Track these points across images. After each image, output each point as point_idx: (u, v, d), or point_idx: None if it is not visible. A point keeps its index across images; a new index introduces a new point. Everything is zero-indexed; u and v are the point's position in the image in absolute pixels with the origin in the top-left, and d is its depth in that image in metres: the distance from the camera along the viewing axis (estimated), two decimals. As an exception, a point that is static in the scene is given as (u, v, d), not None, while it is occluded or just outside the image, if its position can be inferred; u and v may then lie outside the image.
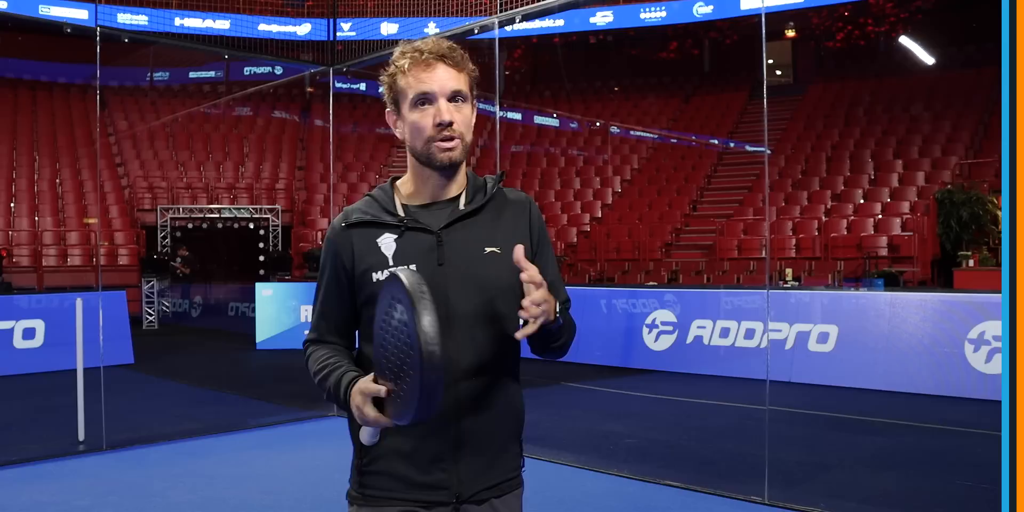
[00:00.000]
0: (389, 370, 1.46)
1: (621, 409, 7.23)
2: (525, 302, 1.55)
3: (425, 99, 1.64)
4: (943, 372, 7.35)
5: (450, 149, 1.65)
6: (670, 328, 9.24)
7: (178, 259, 17.18)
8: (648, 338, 9.36)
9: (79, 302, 5.96)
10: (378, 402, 1.50)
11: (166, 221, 17.34)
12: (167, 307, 16.40)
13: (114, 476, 5.15)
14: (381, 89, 1.74)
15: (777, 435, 5.20)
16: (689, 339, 9.09)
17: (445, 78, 1.64)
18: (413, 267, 1.63)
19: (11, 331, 9.11)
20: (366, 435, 1.58)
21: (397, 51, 1.69)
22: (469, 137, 1.69)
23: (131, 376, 9.07)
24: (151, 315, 15.22)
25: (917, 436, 6.03)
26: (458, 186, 1.73)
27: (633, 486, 4.83)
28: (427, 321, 1.35)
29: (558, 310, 1.62)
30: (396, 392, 1.45)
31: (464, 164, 1.73)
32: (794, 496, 4.48)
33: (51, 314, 9.23)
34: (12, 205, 18.01)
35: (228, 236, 17.85)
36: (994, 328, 7.04)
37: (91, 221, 17.77)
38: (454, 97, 1.65)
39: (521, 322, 1.58)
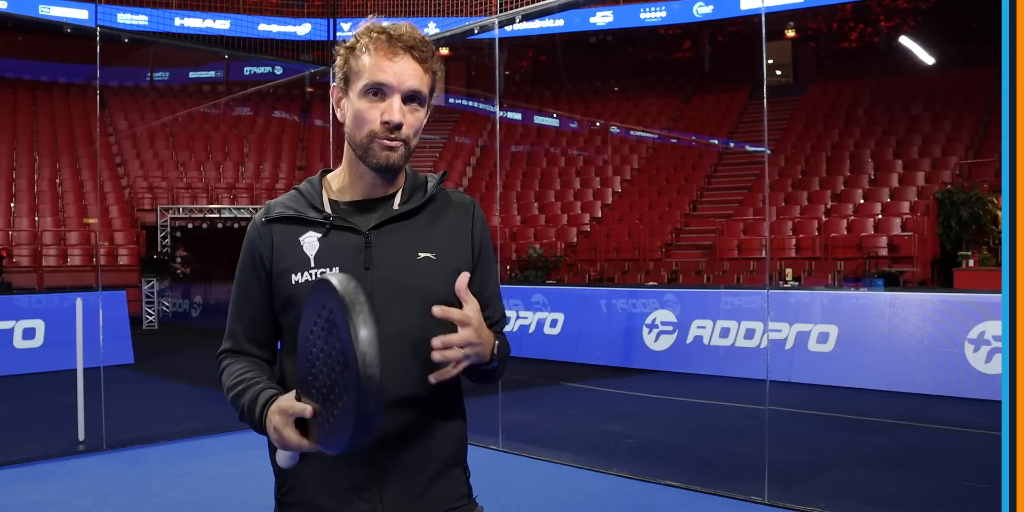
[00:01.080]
0: (316, 389, 1.28)
1: (621, 409, 7.23)
2: (436, 341, 1.36)
3: (379, 90, 1.47)
4: (943, 372, 7.35)
5: (391, 149, 1.48)
6: (670, 328, 9.24)
7: (178, 259, 17.18)
8: (648, 338, 9.36)
9: (79, 302, 5.96)
10: (301, 424, 1.32)
11: (166, 221, 17.33)
12: (167, 307, 16.41)
13: (114, 476, 5.14)
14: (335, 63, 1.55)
15: (777, 435, 5.20)
16: (689, 339, 9.09)
17: (407, 73, 1.47)
18: (337, 270, 1.47)
19: (11, 331, 9.11)
20: (284, 458, 1.39)
21: (364, 26, 1.51)
22: (414, 143, 1.52)
23: (131, 376, 9.07)
24: (151, 315, 15.22)
25: (917, 436, 6.03)
26: (395, 184, 1.56)
27: (633, 486, 4.83)
28: (365, 336, 1.17)
29: (495, 348, 1.47)
30: (324, 415, 1.25)
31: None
32: (794, 496, 4.48)
33: (51, 314, 9.23)
34: (12, 205, 18.01)
35: (228, 236, 17.83)
36: (994, 328, 7.04)
37: (91, 221, 17.77)
38: (411, 98, 1.49)
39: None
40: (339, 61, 1.53)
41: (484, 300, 1.57)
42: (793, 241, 14.93)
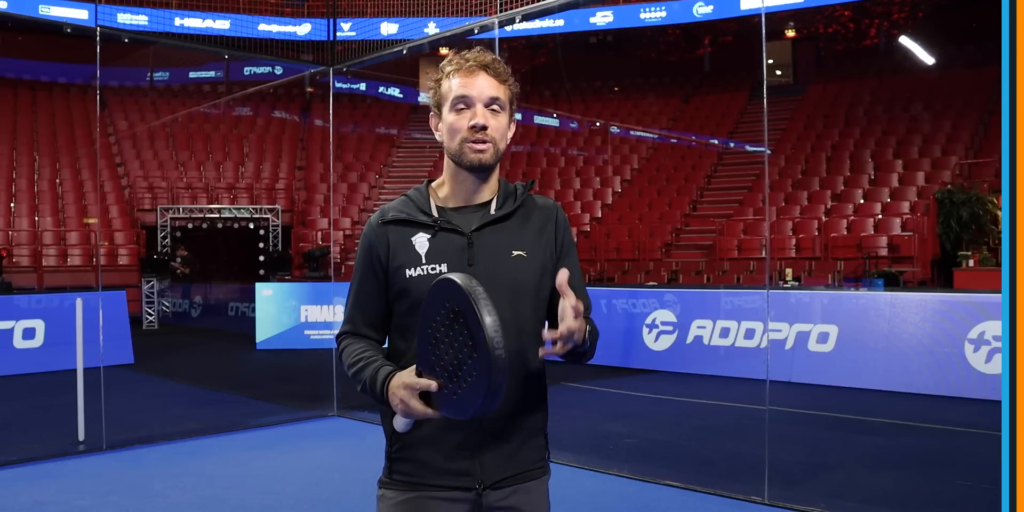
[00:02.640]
0: (441, 367, 1.51)
1: (621, 409, 7.23)
2: (556, 332, 1.61)
3: (464, 102, 1.74)
4: (943, 372, 7.35)
5: (481, 151, 1.74)
6: (670, 328, 9.24)
7: (178, 259, 17.18)
8: (648, 338, 9.36)
9: (79, 302, 5.96)
10: (423, 395, 1.57)
11: (166, 221, 17.33)
12: (167, 307, 16.40)
13: (114, 476, 5.15)
14: (427, 96, 1.85)
15: (777, 435, 5.20)
16: (689, 339, 9.09)
17: (485, 85, 1.75)
18: (445, 266, 1.73)
19: (11, 331, 9.11)
20: (401, 424, 1.66)
21: (447, 59, 1.81)
22: (502, 145, 1.78)
23: (131, 376, 9.07)
24: (151, 315, 15.21)
25: (917, 436, 6.03)
26: (490, 191, 1.83)
27: (633, 486, 4.84)
28: (490, 323, 1.41)
29: (587, 333, 1.69)
30: (451, 389, 1.50)
31: (496, 171, 1.83)
32: (794, 496, 4.48)
33: (51, 314, 9.23)
34: (12, 205, 18.01)
35: (228, 236, 17.84)
36: (994, 328, 7.05)
37: (91, 221, 17.77)
38: (491, 103, 1.75)
39: (548, 343, 1.62)
40: (431, 94, 1.82)
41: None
42: (793, 241, 14.92)
